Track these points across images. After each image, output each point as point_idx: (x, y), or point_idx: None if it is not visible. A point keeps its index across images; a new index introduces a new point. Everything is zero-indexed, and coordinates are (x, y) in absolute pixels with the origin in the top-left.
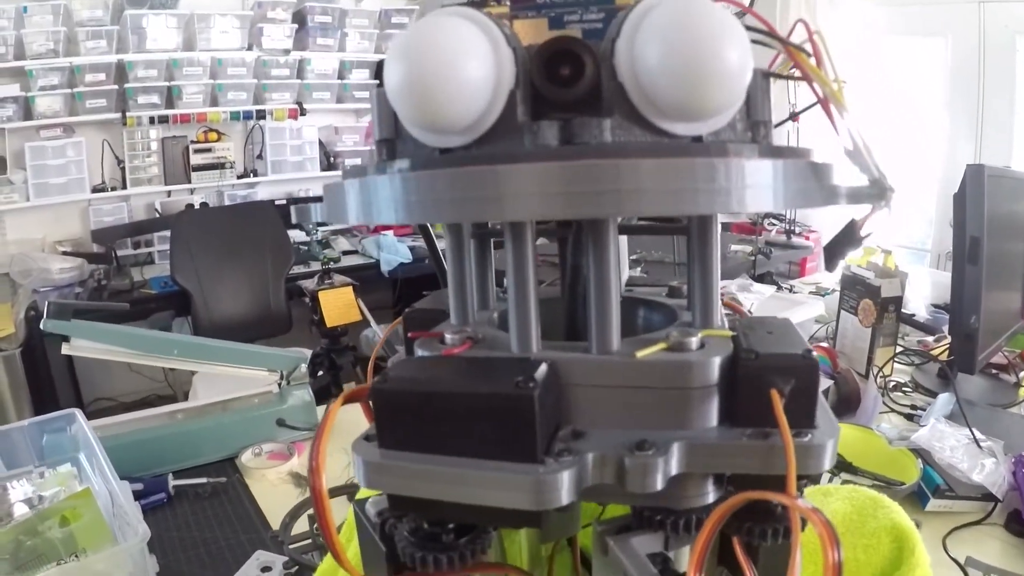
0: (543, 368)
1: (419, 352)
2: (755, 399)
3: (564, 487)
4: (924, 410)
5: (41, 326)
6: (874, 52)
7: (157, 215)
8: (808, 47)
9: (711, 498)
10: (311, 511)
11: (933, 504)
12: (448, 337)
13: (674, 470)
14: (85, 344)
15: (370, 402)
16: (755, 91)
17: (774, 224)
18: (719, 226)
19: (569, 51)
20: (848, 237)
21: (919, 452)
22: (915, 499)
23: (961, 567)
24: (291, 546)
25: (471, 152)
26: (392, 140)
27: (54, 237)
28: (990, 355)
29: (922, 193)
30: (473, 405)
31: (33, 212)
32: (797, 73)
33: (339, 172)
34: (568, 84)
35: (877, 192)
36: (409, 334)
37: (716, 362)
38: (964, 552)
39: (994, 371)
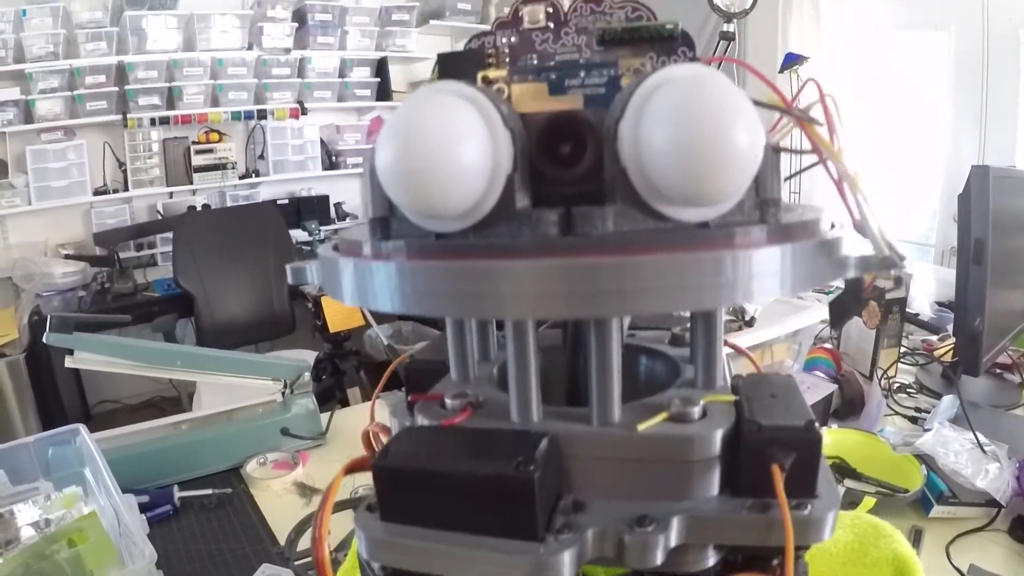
0: (543, 445)
1: (419, 417)
2: (757, 471)
3: (565, 566)
4: (928, 412)
5: (44, 340)
6: (878, 46)
7: (159, 217)
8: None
9: (711, 562)
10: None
11: (937, 511)
12: (448, 402)
13: (674, 543)
14: (88, 357)
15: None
16: (765, 169)
17: None
18: None
19: (570, 128)
20: (853, 298)
21: (923, 458)
22: (919, 505)
23: None
24: (297, 562)
25: (468, 240)
26: (387, 219)
27: (56, 240)
28: (995, 356)
29: (926, 187)
30: (473, 485)
31: (35, 216)
32: (808, 145)
33: (343, 171)
34: (569, 163)
35: (886, 264)
36: (409, 397)
37: (719, 435)
38: (967, 560)
39: (999, 371)
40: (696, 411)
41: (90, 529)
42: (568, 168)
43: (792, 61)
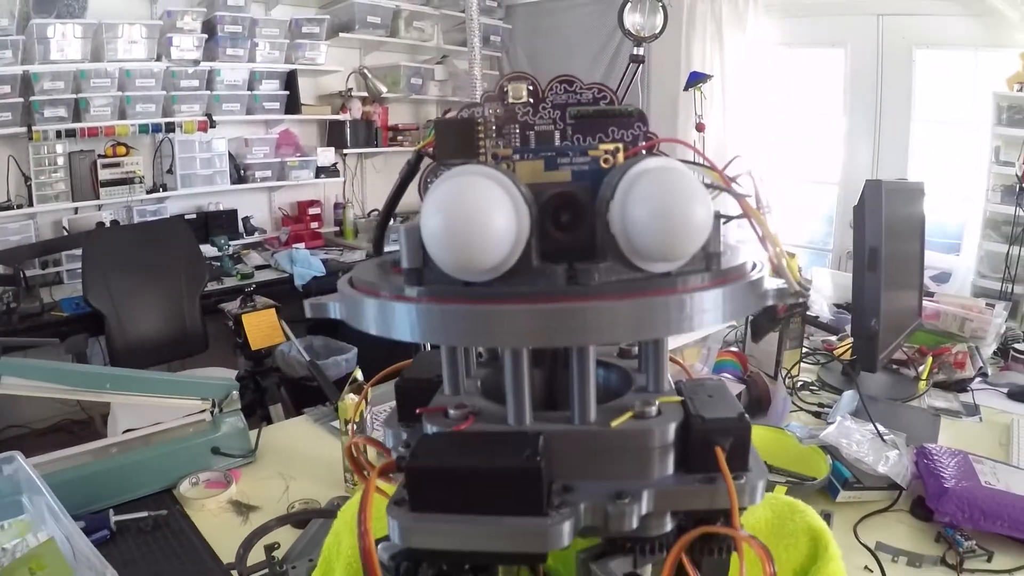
0: (542, 442)
1: (427, 426)
2: (703, 453)
3: (565, 533)
4: (831, 407)
5: None
6: (777, 62)
7: (65, 232)
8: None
9: (669, 527)
10: (265, 541)
11: (843, 495)
12: (451, 412)
13: (644, 511)
14: (16, 382)
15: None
16: (711, 231)
17: None
18: None
19: (570, 202)
20: (769, 318)
21: (828, 448)
22: (826, 492)
23: (872, 552)
24: None
25: (491, 289)
26: (420, 270)
27: None
28: (891, 353)
29: (823, 195)
30: (491, 476)
31: None
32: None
33: (251, 184)
34: (568, 228)
35: (798, 296)
36: (417, 410)
37: (672, 427)
38: (874, 538)
39: (895, 366)
40: (653, 410)
41: (48, 556)
42: (567, 231)
43: (696, 79)
